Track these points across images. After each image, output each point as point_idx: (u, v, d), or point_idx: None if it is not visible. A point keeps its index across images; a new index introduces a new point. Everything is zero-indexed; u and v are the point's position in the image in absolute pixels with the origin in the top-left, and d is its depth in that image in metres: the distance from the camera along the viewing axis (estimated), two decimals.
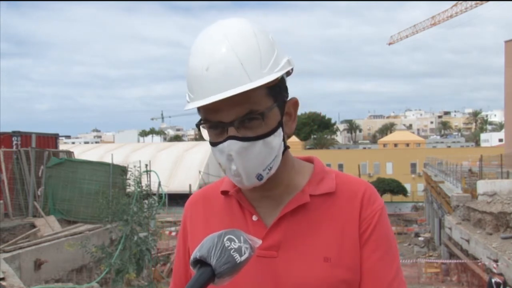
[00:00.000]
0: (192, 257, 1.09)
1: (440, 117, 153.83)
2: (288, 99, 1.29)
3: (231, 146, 1.19)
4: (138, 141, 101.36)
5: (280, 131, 1.24)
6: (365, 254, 1.28)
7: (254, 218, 1.31)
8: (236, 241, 1.10)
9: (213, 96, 1.17)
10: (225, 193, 1.37)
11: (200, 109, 1.23)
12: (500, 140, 64.17)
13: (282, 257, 1.27)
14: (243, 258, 1.09)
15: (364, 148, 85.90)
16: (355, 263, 1.28)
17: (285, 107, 1.27)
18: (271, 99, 1.22)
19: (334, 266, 1.25)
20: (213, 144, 1.23)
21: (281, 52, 1.27)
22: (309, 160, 1.42)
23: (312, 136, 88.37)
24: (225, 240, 1.09)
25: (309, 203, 1.30)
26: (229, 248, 1.08)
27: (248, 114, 1.19)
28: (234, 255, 1.08)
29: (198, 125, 1.26)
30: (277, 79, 1.23)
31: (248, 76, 1.18)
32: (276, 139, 1.23)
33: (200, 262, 1.08)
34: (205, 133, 1.27)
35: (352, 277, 1.27)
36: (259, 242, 1.15)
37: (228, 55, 1.18)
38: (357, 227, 1.29)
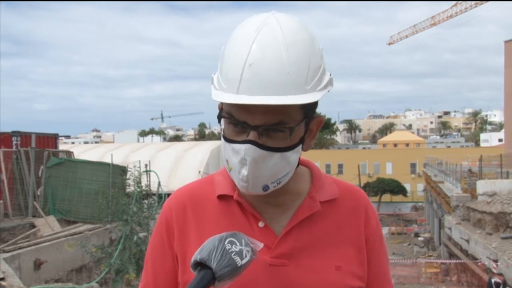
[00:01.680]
0: (192, 260, 1.08)
1: (440, 117, 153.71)
2: (315, 115, 1.23)
3: (249, 151, 1.12)
4: (138, 141, 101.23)
5: (299, 147, 1.20)
6: (375, 261, 1.33)
7: (261, 224, 1.25)
8: (238, 244, 1.09)
9: (249, 96, 1.10)
10: (222, 197, 1.29)
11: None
12: (500, 140, 64.15)
13: (294, 266, 1.23)
14: (244, 261, 1.08)
15: (364, 148, 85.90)
16: (362, 271, 1.29)
17: (310, 124, 1.22)
18: (302, 115, 1.17)
19: (345, 274, 1.25)
20: (229, 140, 1.17)
21: (326, 67, 1.21)
22: (304, 163, 1.35)
23: None
24: (226, 243, 1.08)
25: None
26: (230, 251, 1.07)
27: (277, 125, 1.13)
28: (235, 258, 1.07)
29: (219, 118, 1.19)
30: None
31: (292, 88, 1.11)
32: (294, 155, 1.19)
33: (201, 265, 1.07)
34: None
35: (359, 284, 1.27)
36: (260, 245, 1.13)
37: (278, 58, 1.10)
38: (363, 236, 1.31)
